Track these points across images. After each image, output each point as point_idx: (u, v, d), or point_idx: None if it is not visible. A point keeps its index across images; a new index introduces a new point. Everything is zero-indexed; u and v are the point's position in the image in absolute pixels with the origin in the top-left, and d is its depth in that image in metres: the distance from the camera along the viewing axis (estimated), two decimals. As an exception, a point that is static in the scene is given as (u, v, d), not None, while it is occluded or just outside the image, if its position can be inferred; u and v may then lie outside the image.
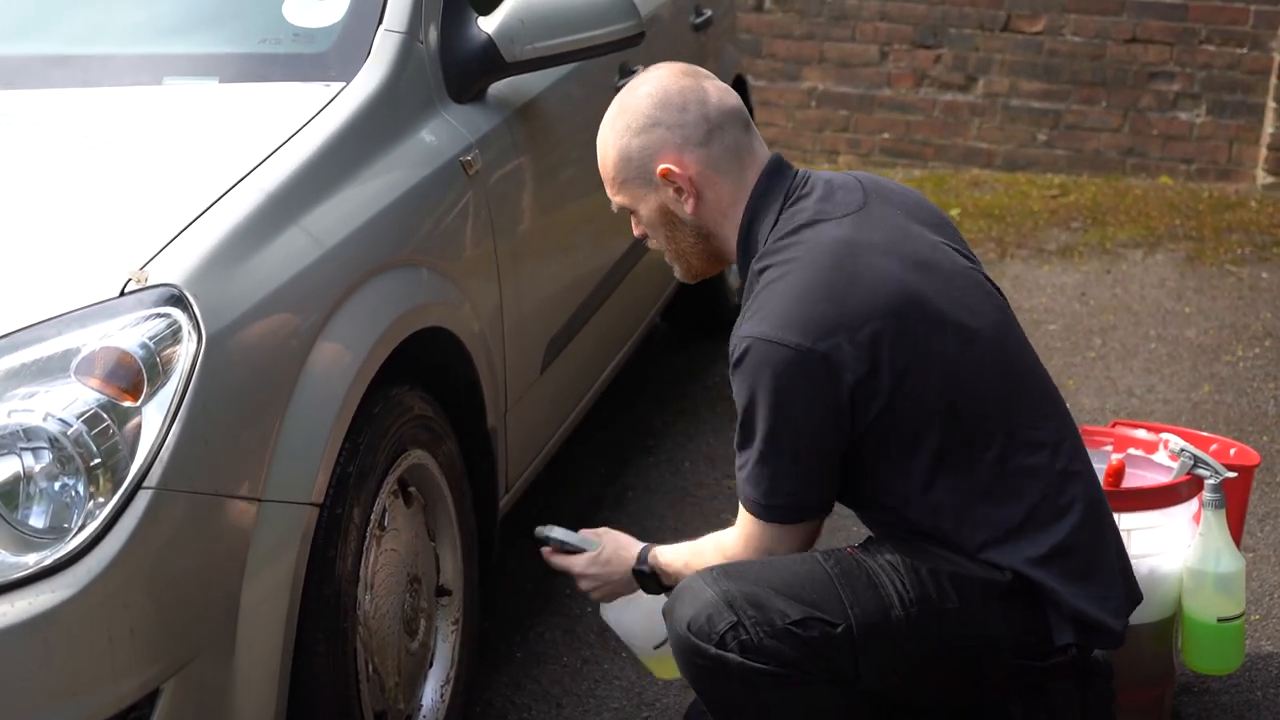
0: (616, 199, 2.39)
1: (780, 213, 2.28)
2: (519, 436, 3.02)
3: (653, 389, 4.57)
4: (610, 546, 2.52)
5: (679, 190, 2.31)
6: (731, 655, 2.15)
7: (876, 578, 2.21)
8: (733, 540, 2.33)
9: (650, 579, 2.46)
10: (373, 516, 2.38)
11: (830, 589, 2.19)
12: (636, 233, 2.43)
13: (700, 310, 4.84)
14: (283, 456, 2.16)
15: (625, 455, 4.13)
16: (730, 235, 2.33)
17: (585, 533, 2.56)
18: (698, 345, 4.89)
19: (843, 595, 2.18)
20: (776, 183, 2.31)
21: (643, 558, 2.47)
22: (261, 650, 2.13)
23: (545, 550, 2.58)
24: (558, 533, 2.57)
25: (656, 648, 2.53)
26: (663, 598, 2.41)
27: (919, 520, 2.26)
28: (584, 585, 2.54)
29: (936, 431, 2.21)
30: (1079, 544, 2.27)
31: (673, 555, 2.44)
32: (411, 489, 2.60)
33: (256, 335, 2.17)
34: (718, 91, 2.33)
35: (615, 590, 2.52)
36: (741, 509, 2.30)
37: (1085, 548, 2.27)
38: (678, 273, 2.45)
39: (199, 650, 2.04)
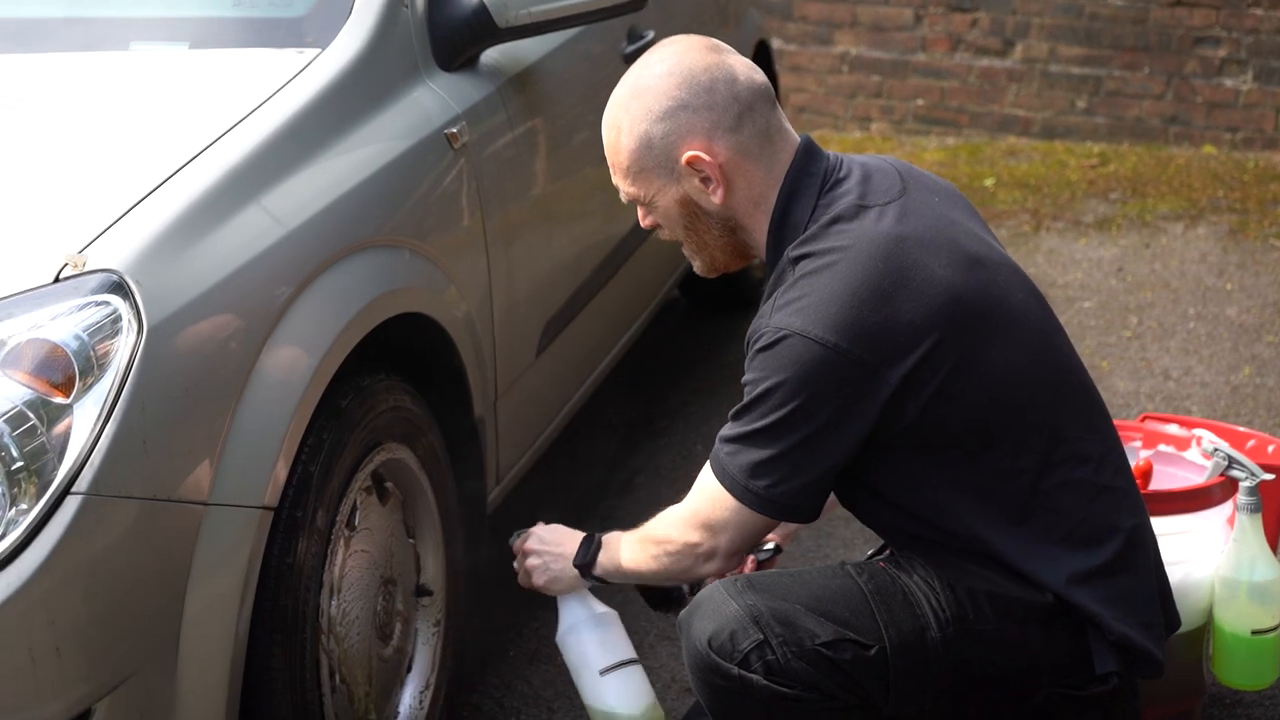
0: (629, 189, 2.16)
1: (818, 198, 2.08)
2: (511, 426, 2.85)
3: (667, 366, 4.40)
4: (560, 527, 2.37)
5: (706, 180, 2.09)
6: (755, 677, 1.99)
7: (911, 595, 2.04)
8: (686, 511, 2.14)
9: (589, 567, 2.29)
10: (339, 517, 2.23)
11: (864, 607, 2.02)
12: (645, 223, 2.21)
13: (721, 285, 4.66)
14: (232, 457, 2.00)
15: (635, 437, 3.97)
16: (761, 225, 2.12)
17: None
18: (716, 321, 4.71)
19: (877, 614, 2.01)
20: (812, 166, 2.11)
21: (584, 544, 2.31)
22: (208, 665, 1.98)
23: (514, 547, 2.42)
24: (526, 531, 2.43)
25: (603, 672, 2.32)
26: (610, 619, 2.33)
27: (955, 531, 2.07)
28: (529, 564, 2.36)
29: (979, 438, 2.04)
30: (1121, 566, 2.10)
31: (616, 538, 2.28)
32: (388, 484, 2.44)
33: (206, 325, 2.01)
34: (744, 68, 2.12)
35: (558, 577, 2.33)
36: (711, 475, 2.10)
37: (1127, 571, 2.11)
38: (698, 266, 2.24)
39: (136, 667, 1.89)
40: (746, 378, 2.06)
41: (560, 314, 3.08)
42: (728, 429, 2.08)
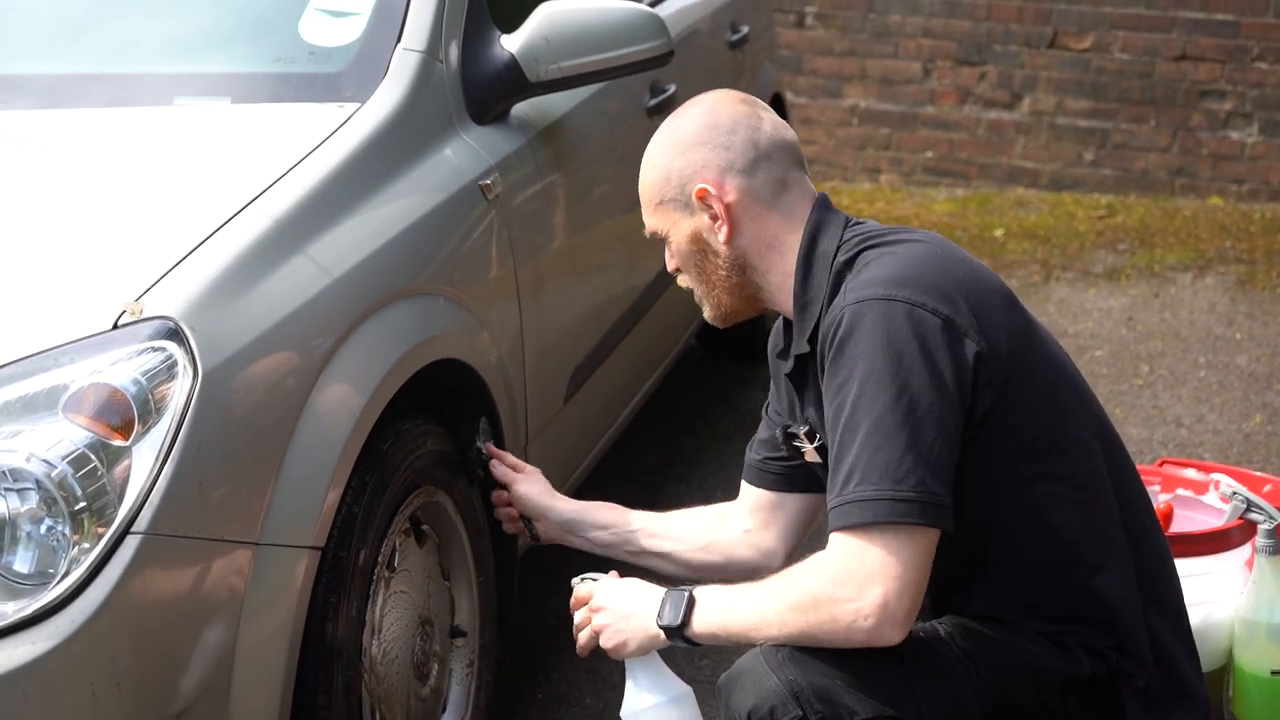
0: (650, 222, 2.25)
1: (844, 230, 2.15)
2: (541, 469, 2.90)
3: (685, 414, 4.46)
4: (632, 581, 2.23)
5: (715, 217, 2.17)
6: None
7: (952, 671, 2.03)
8: (831, 561, 1.96)
9: (678, 630, 2.09)
10: (380, 558, 2.28)
11: (903, 682, 2.00)
12: (669, 268, 2.29)
13: (736, 333, 4.72)
14: (282, 498, 2.06)
15: (656, 483, 4.02)
16: (776, 268, 2.17)
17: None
18: (732, 369, 4.78)
19: (916, 690, 2.00)
20: (832, 209, 2.19)
21: (671, 600, 2.11)
22: (258, 702, 2.03)
23: (571, 601, 2.31)
24: (590, 576, 2.31)
25: None
26: (687, 700, 2.17)
27: (1035, 553, 2.06)
28: (598, 623, 2.20)
29: (1055, 433, 2.06)
30: (1178, 595, 2.17)
31: (719, 592, 2.10)
32: (424, 527, 2.50)
33: (257, 370, 2.07)
34: (773, 123, 2.21)
35: (630, 639, 2.16)
36: (842, 537, 1.95)
37: (1180, 600, 2.17)
38: (707, 312, 2.26)
39: (190, 703, 1.94)
40: (837, 379, 2.00)
41: (587, 361, 3.14)
42: (840, 470, 1.97)
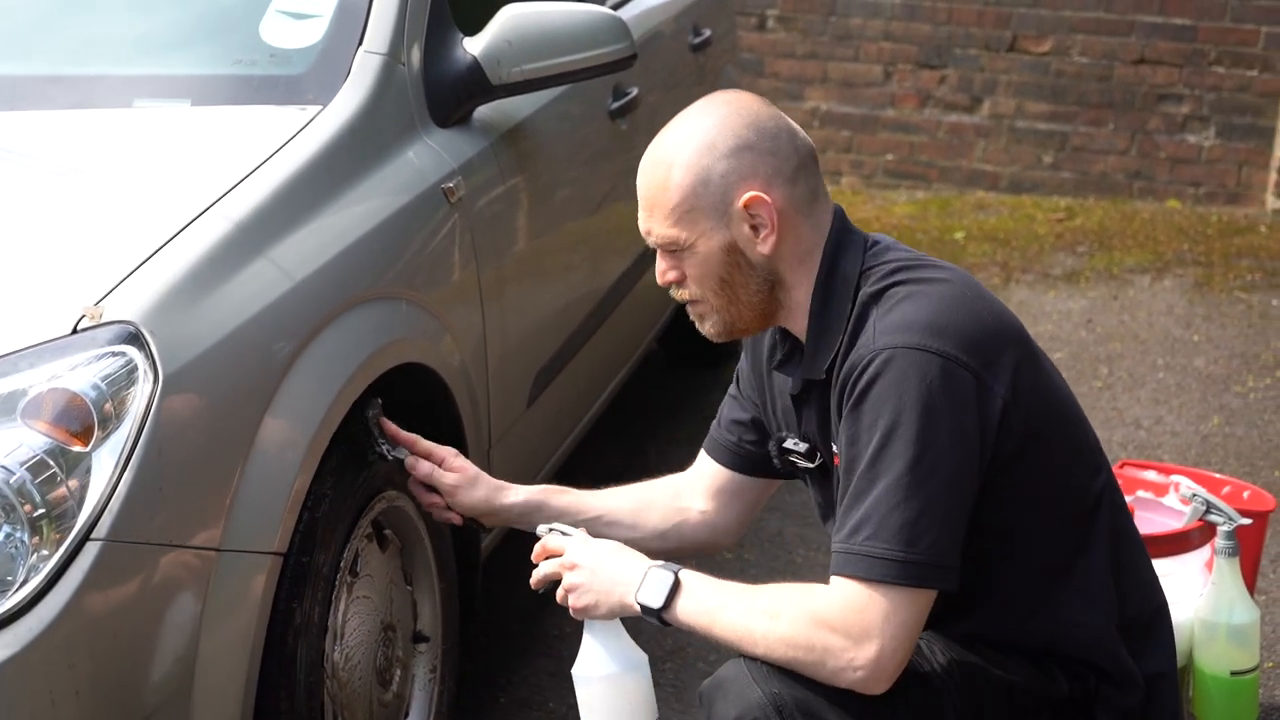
0: (669, 232, 2.04)
1: (865, 252, 2.07)
2: (504, 473, 2.88)
3: (648, 416, 4.45)
4: (610, 544, 2.13)
5: (755, 228, 2.03)
6: None
7: (932, 689, 2.03)
8: (830, 608, 1.94)
9: (664, 611, 2.03)
10: (343, 564, 2.27)
11: (884, 700, 1.97)
12: (665, 279, 2.09)
13: (698, 336, 4.72)
14: (243, 504, 2.04)
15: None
16: (802, 282, 2.06)
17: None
18: (692, 373, 4.78)
19: (897, 707, 1.99)
20: (850, 227, 2.11)
21: (655, 579, 2.04)
22: (220, 709, 2.01)
23: (536, 550, 2.21)
24: (559, 527, 2.24)
25: None
26: (642, 670, 2.13)
27: (1024, 593, 2.07)
28: (571, 580, 2.11)
29: (1051, 492, 2.05)
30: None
31: (705, 586, 2.04)
32: (387, 532, 2.48)
33: (218, 375, 2.05)
34: (799, 127, 2.12)
35: (599, 603, 2.09)
36: (846, 583, 1.93)
37: (1162, 647, 2.18)
38: (712, 325, 2.11)
39: (151, 710, 1.93)
40: (860, 423, 1.95)
41: (550, 364, 3.14)
42: (856, 513, 1.94)
